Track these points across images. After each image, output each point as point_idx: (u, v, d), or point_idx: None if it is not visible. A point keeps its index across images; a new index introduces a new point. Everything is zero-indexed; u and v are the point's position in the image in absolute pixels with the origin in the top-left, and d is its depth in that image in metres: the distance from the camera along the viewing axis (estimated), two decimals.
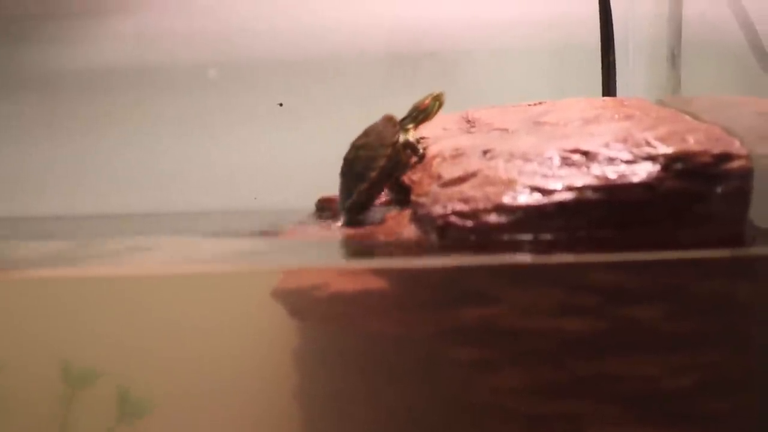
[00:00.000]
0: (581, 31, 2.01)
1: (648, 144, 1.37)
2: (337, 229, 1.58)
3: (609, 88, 1.96)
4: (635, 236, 1.35)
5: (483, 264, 1.39)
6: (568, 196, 1.34)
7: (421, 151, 1.55)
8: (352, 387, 1.56)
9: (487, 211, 1.35)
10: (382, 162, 1.55)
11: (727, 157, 1.36)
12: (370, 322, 1.50)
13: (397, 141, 1.56)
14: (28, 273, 1.55)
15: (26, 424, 1.63)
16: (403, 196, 1.54)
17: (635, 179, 1.34)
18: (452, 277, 1.42)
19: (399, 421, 1.51)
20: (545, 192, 1.35)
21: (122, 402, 1.63)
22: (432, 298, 1.44)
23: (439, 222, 1.37)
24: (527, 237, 1.35)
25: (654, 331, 1.39)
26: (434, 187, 1.44)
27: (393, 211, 1.56)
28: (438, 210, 1.38)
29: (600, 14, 1.96)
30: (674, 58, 2.06)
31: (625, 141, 1.38)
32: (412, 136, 1.58)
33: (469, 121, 1.67)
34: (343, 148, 1.60)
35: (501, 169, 1.40)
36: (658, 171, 1.35)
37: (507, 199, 1.35)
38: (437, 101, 1.61)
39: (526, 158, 1.40)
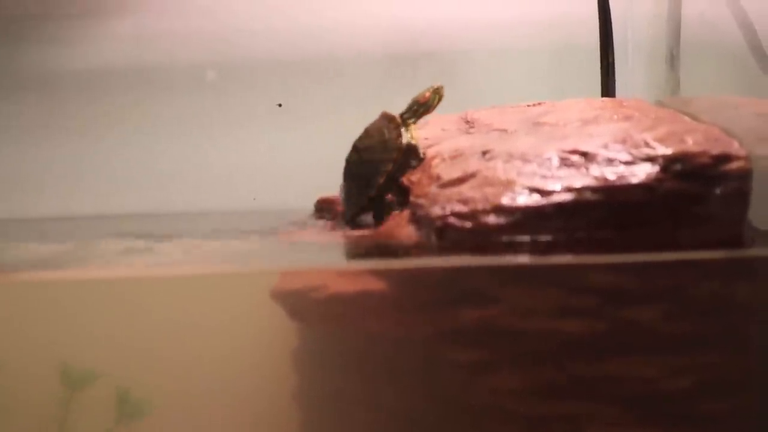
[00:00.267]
0: (580, 31, 2.01)
1: (647, 145, 1.37)
2: (338, 230, 1.58)
3: (608, 88, 1.95)
4: (634, 237, 1.35)
5: (482, 265, 1.39)
6: (567, 197, 1.34)
7: (422, 155, 1.55)
8: (351, 388, 1.56)
9: (486, 212, 1.35)
10: (389, 167, 1.54)
11: (726, 158, 1.35)
12: (369, 323, 1.50)
13: (402, 145, 1.56)
14: (27, 274, 1.55)
15: (25, 426, 1.63)
16: (402, 197, 1.54)
17: (634, 180, 1.34)
18: (451, 278, 1.42)
19: (398, 422, 1.51)
20: (544, 193, 1.35)
21: (121, 403, 1.63)
22: (431, 299, 1.44)
23: (438, 223, 1.37)
24: (526, 238, 1.34)
25: (653, 332, 1.39)
26: (433, 188, 1.43)
27: (392, 212, 1.56)
28: (437, 211, 1.38)
29: (599, 15, 1.96)
30: (673, 58, 2.06)
31: (624, 142, 1.38)
32: (413, 137, 1.57)
33: (468, 122, 1.66)
34: (342, 148, 1.60)
35: (500, 169, 1.40)
36: (657, 172, 1.35)
37: (506, 200, 1.35)
38: (437, 94, 1.60)
39: (525, 159, 1.40)
